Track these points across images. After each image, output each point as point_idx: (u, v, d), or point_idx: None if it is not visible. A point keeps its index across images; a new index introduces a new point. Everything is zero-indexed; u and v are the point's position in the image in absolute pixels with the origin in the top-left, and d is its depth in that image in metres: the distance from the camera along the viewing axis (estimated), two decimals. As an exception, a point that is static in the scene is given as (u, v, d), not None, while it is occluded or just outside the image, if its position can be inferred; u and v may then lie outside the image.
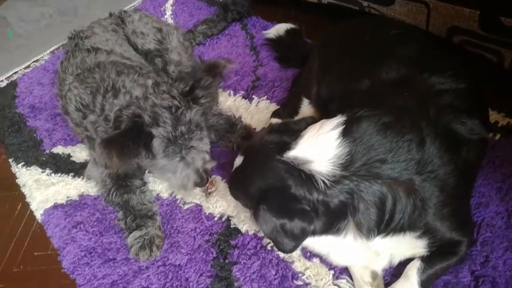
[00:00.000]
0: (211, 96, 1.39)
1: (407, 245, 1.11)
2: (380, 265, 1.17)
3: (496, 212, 1.24)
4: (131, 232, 1.43)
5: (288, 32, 2.06)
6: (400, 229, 1.06)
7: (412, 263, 1.13)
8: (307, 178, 1.04)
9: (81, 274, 1.40)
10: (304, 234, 1.04)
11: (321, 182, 1.02)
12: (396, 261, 1.16)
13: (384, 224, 1.05)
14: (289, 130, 1.18)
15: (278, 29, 2.09)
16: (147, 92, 1.37)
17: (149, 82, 1.44)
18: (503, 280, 1.11)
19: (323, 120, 1.16)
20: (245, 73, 1.98)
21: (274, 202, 1.04)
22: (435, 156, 1.05)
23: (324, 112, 1.47)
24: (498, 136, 1.42)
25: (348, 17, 1.65)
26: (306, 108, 1.54)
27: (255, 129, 1.70)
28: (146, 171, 1.64)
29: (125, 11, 1.97)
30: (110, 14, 1.96)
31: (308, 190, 1.03)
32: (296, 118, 1.58)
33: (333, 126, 1.10)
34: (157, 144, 1.30)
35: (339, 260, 1.20)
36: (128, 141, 1.25)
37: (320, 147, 1.07)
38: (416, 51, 1.28)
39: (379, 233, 1.06)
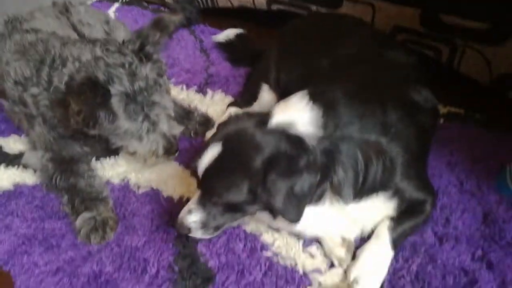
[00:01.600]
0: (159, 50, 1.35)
1: (379, 208, 1.12)
2: (353, 232, 1.17)
3: (448, 181, 1.32)
4: (80, 214, 1.29)
5: (238, 36, 2.10)
6: (372, 190, 1.09)
7: (382, 223, 1.15)
8: (296, 140, 1.02)
9: (17, 264, 1.22)
10: (310, 190, 1.00)
11: (308, 143, 1.01)
12: (368, 228, 1.16)
13: (360, 186, 1.06)
14: (253, 115, 1.14)
15: (228, 34, 2.12)
16: (97, 54, 1.29)
17: (97, 45, 1.35)
18: (464, 237, 1.17)
19: (285, 99, 1.16)
20: (197, 71, 1.97)
21: (280, 167, 0.98)
22: (398, 120, 1.11)
23: (283, 95, 1.50)
24: (441, 120, 1.55)
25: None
26: (266, 93, 1.56)
27: (212, 117, 1.67)
28: (93, 158, 1.52)
29: (69, 2, 1.89)
30: (53, 3, 1.86)
31: (301, 151, 1.00)
32: (255, 103, 1.60)
33: (299, 97, 1.11)
34: (115, 101, 1.22)
35: (315, 231, 1.17)
36: (85, 90, 1.17)
37: (295, 113, 1.07)
38: (369, 32, 1.38)
39: (355, 196, 1.07)
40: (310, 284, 1.13)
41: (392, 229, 1.12)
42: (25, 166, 1.51)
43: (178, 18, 1.28)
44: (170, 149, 1.35)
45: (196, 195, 1.14)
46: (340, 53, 1.32)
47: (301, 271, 1.15)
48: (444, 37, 1.60)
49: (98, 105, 1.20)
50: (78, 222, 1.27)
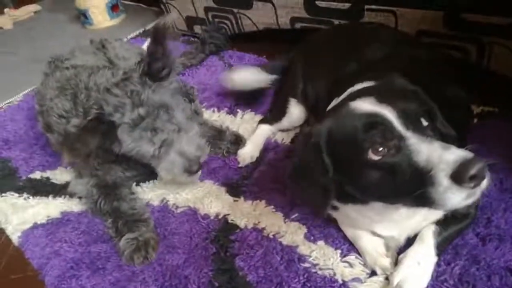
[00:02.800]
0: (171, 64, 1.39)
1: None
2: (403, 235, 1.14)
3: (489, 181, 1.28)
4: (123, 236, 1.35)
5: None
6: None
7: (426, 227, 1.11)
8: None
9: (68, 287, 1.29)
10: None
11: None
12: (417, 230, 1.13)
13: None
14: None
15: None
16: (112, 82, 1.36)
17: (119, 73, 1.42)
18: (508, 236, 1.12)
19: None
20: (227, 94, 2.03)
21: None
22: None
23: (312, 108, 1.52)
24: (476, 120, 1.52)
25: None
26: (294, 107, 1.59)
27: (243, 136, 1.71)
28: (134, 183, 1.60)
29: (105, 39, 2.02)
30: (91, 41, 2.00)
31: None
32: (285, 118, 1.62)
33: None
34: (120, 131, 1.30)
35: (380, 229, 1.14)
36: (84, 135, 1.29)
37: None
38: (394, 35, 1.39)
39: None
40: (350, 293, 1.11)
41: (438, 234, 1.09)
42: (71, 195, 1.60)
43: (170, 18, 1.27)
44: (190, 169, 1.38)
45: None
46: (368, 56, 1.32)
47: (340, 281, 1.14)
48: (469, 36, 1.57)
49: (104, 135, 1.31)
50: (122, 243, 1.33)
